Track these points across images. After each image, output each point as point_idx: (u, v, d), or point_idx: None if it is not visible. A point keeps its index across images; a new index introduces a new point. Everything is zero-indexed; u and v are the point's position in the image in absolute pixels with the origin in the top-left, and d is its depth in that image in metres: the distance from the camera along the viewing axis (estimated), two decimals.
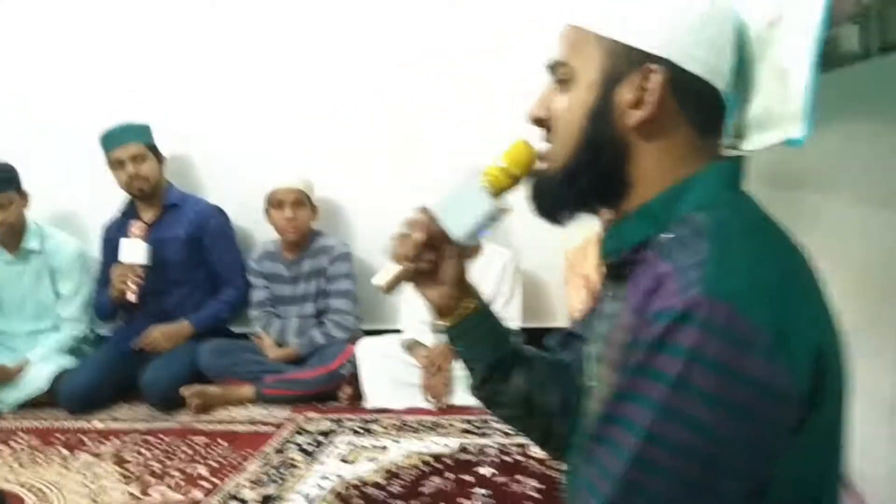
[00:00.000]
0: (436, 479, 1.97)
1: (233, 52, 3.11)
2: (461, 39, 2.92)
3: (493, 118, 2.89)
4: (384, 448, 2.20)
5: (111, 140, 2.84)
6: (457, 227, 0.91)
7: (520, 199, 2.78)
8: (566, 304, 2.83)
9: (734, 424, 0.61)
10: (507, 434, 2.22)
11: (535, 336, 2.70)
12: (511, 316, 2.72)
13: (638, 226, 0.76)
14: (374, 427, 2.37)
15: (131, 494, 2.03)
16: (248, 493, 1.96)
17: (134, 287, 2.68)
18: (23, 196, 2.92)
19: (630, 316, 0.68)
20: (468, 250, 1.00)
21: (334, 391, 2.66)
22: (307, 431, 2.38)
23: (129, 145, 2.83)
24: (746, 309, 0.61)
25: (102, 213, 3.11)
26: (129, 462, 2.24)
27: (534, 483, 1.91)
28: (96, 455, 2.32)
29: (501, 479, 1.94)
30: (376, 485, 1.96)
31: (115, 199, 3.06)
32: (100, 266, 3.02)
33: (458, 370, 2.55)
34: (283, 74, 3.09)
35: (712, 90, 0.74)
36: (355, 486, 1.96)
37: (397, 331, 2.85)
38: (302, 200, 2.85)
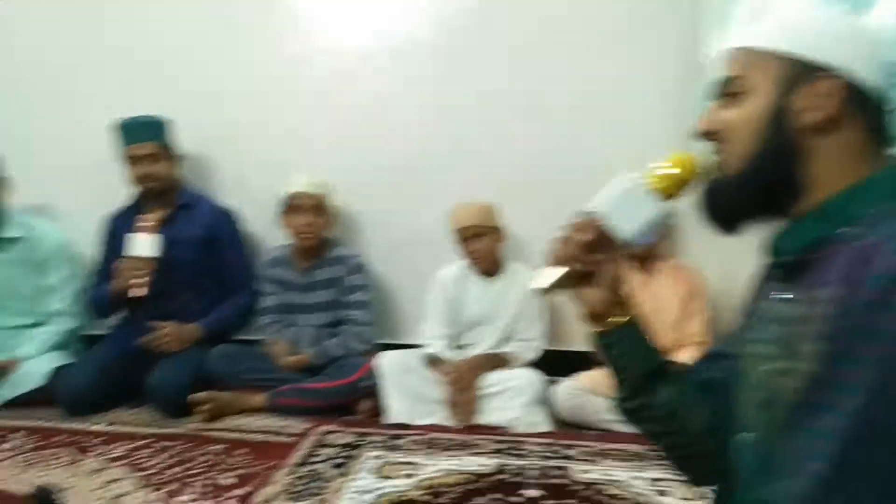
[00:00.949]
0: (480, 500, 1.90)
1: (257, 55, 3.05)
2: (477, 52, 2.93)
3: (503, 134, 2.91)
4: (416, 464, 2.13)
5: (128, 134, 2.73)
6: (625, 228, 0.92)
7: (528, 223, 2.78)
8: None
9: None
10: (545, 457, 2.18)
11: (554, 358, 2.71)
12: (536, 336, 2.69)
13: (817, 224, 0.78)
14: (399, 443, 2.29)
15: (154, 501, 1.90)
16: None
17: (142, 281, 2.54)
18: (4, 183, 2.76)
19: (830, 291, 0.69)
20: (626, 254, 1.03)
21: (351, 404, 2.57)
22: (331, 445, 2.28)
23: (145, 144, 2.72)
24: None
25: (87, 207, 3.01)
26: (144, 468, 2.10)
27: None
28: (107, 459, 2.17)
29: (551, 502, 1.89)
30: (420, 502, 1.88)
31: (104, 193, 2.95)
32: (101, 259, 2.87)
33: (485, 389, 2.50)
34: (304, 83, 3.04)
35: (883, 98, 0.78)
36: (400, 503, 1.87)
37: (411, 345, 2.79)
38: (320, 206, 2.77)
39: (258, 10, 3.03)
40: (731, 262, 2.57)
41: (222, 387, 2.59)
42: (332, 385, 2.55)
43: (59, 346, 2.77)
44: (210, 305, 2.82)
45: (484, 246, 2.66)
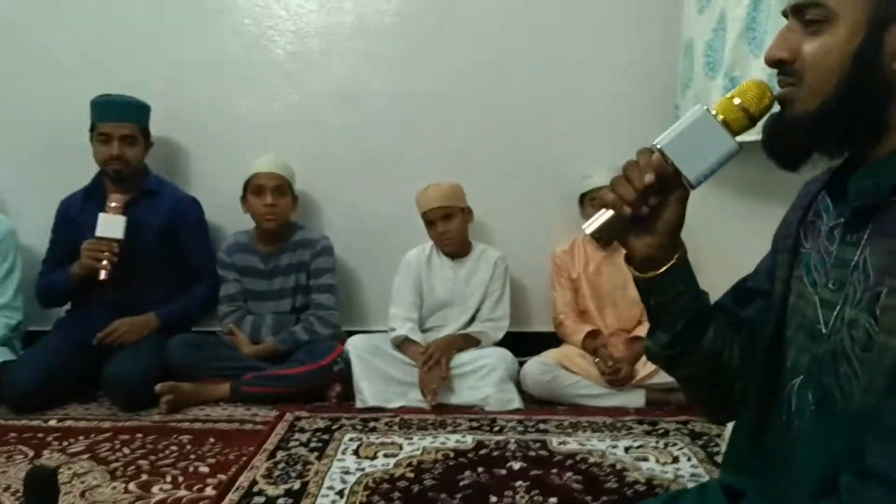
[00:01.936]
0: (468, 474, 1.90)
1: (218, 37, 2.96)
2: (442, 32, 2.93)
3: (469, 115, 2.92)
4: (395, 444, 2.11)
5: (108, 111, 2.61)
6: (692, 167, 0.84)
7: (503, 202, 2.78)
8: (550, 307, 2.85)
9: None
10: (522, 431, 2.19)
11: (518, 340, 2.73)
12: (503, 315, 2.71)
13: None
14: (374, 426, 2.26)
15: (128, 491, 1.81)
16: (270, 490, 1.81)
17: (107, 263, 2.43)
18: None
19: None
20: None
21: (322, 390, 2.52)
22: (304, 430, 2.23)
23: (124, 124, 2.60)
24: None
25: (29, 196, 2.91)
26: (109, 461, 2.00)
27: (570, 474, 1.88)
28: (67, 454, 2.05)
29: (537, 472, 1.90)
30: (407, 479, 1.86)
31: (48, 181, 2.82)
32: (51, 245, 2.72)
33: (456, 369, 2.50)
34: (265, 65, 2.97)
35: None
36: (386, 481, 1.85)
37: (378, 332, 2.76)
38: (283, 187, 2.71)
39: None
40: (690, 237, 2.65)
41: (183, 377, 2.49)
42: (302, 370, 2.49)
43: (2, 342, 2.60)
44: (170, 295, 2.72)
45: (453, 227, 2.65)
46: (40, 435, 2.20)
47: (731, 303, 1.04)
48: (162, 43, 2.93)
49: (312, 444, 2.11)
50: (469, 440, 2.13)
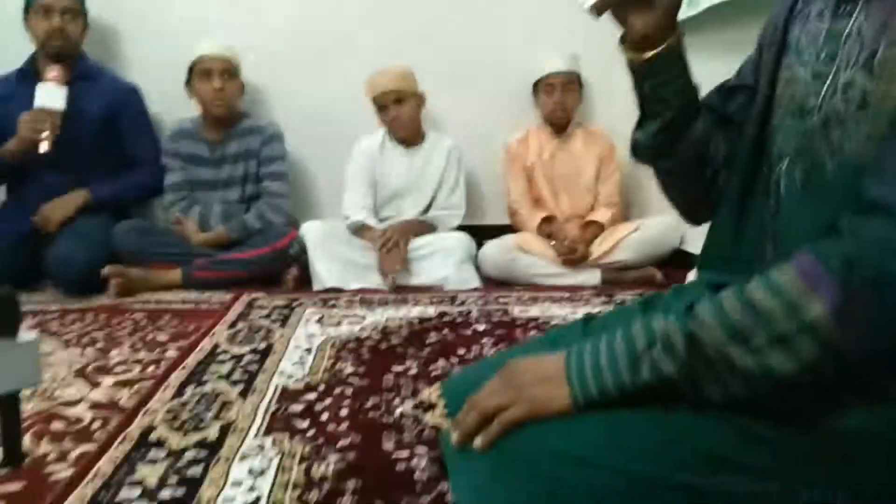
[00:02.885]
0: (433, 335, 1.91)
1: None
2: None
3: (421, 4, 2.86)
4: (359, 315, 2.10)
5: None
6: None
7: (456, 94, 2.72)
8: (504, 198, 2.85)
9: None
10: (483, 304, 2.21)
11: (472, 233, 2.74)
12: (458, 203, 2.70)
13: None
14: (335, 303, 2.24)
15: (84, 356, 1.74)
16: (234, 349, 1.77)
17: (48, 134, 2.28)
18: None
19: None
20: None
21: (277, 274, 2.48)
22: (263, 307, 2.19)
23: None
24: None
25: None
26: (64, 334, 1.92)
27: (535, 332, 1.92)
28: None
29: (501, 332, 1.93)
30: (374, 339, 1.86)
31: None
32: None
33: (414, 252, 2.49)
34: None
35: None
36: (353, 341, 1.84)
37: None
38: (231, 70, 2.61)
39: None
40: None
41: (131, 263, 2.40)
42: (257, 253, 2.44)
43: None
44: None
45: (405, 111, 2.61)
46: None
47: (716, 100, 1.03)
48: None
49: (274, 317, 2.07)
50: (432, 311, 2.14)
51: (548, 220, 2.67)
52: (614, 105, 2.83)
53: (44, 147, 2.27)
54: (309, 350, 1.77)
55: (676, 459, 0.70)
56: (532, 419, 0.77)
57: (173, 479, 1.13)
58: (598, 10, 0.86)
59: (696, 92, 0.96)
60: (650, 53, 0.89)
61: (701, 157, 0.97)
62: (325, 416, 1.37)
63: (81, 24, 2.55)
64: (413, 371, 1.63)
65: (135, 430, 1.30)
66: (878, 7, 0.72)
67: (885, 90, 0.69)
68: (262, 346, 1.80)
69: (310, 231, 2.48)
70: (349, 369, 1.64)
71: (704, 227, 1.06)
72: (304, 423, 1.33)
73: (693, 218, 1.09)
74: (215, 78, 2.55)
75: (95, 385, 1.55)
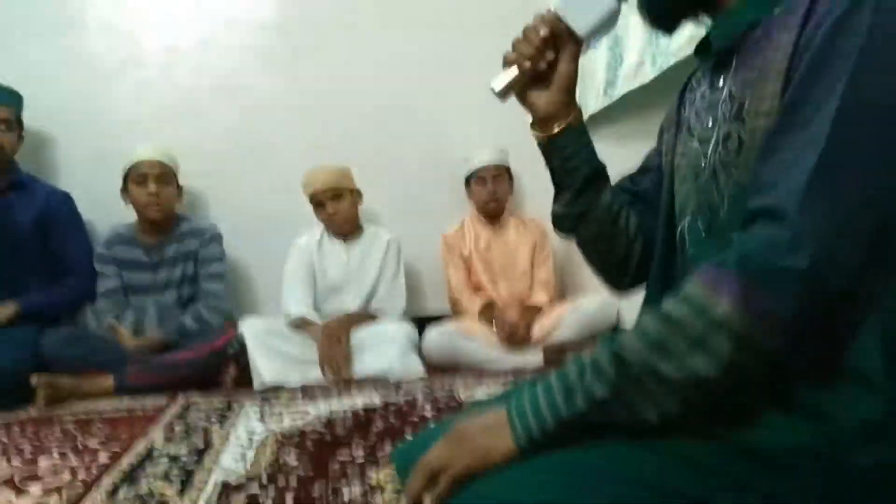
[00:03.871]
0: (380, 423, 1.87)
1: (95, 23, 2.87)
2: (320, 27, 2.98)
3: (351, 104, 2.98)
4: (302, 410, 2.04)
5: None
6: (580, 23, 0.93)
7: (391, 190, 2.81)
8: (444, 288, 2.89)
9: None
10: (428, 391, 2.19)
11: (414, 325, 2.74)
12: (399, 293, 2.72)
13: (750, 9, 0.82)
14: (276, 400, 2.18)
15: (11, 465, 1.64)
16: (171, 449, 1.70)
17: None
18: None
19: (785, 37, 0.73)
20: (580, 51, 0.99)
21: (215, 375, 2.41)
22: (200, 408, 2.11)
23: (1, 108, 2.46)
24: None
25: None
26: None
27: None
28: None
29: (450, 414, 1.90)
30: (318, 432, 1.81)
31: None
32: None
33: (356, 343, 2.47)
34: (145, 55, 2.91)
35: None
36: (296, 435, 1.79)
37: None
38: (167, 175, 2.62)
39: None
40: None
41: (61, 371, 2.30)
42: (192, 354, 2.37)
43: None
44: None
45: (343, 207, 2.66)
46: None
47: (627, 183, 1.11)
48: (20, 39, 2.80)
49: (213, 417, 2.01)
50: (377, 400, 2.10)
51: (488, 305, 2.71)
52: (544, 194, 2.92)
53: None
54: (250, 445, 1.71)
55: (618, 493, 0.71)
56: (479, 471, 0.76)
57: None
58: (503, 94, 0.98)
59: (601, 163, 1.04)
60: (556, 129, 1.00)
61: (614, 225, 1.04)
62: None
63: (16, 136, 2.56)
64: (360, 458, 1.59)
65: None
66: (742, 72, 0.81)
67: (753, 126, 0.76)
68: (201, 444, 1.74)
69: (249, 328, 2.45)
70: (293, 461, 1.59)
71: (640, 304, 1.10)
72: None
73: (616, 285, 1.14)
74: (151, 183, 2.55)
75: (23, 493, 1.46)
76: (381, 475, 1.45)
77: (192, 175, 2.83)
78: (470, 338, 2.54)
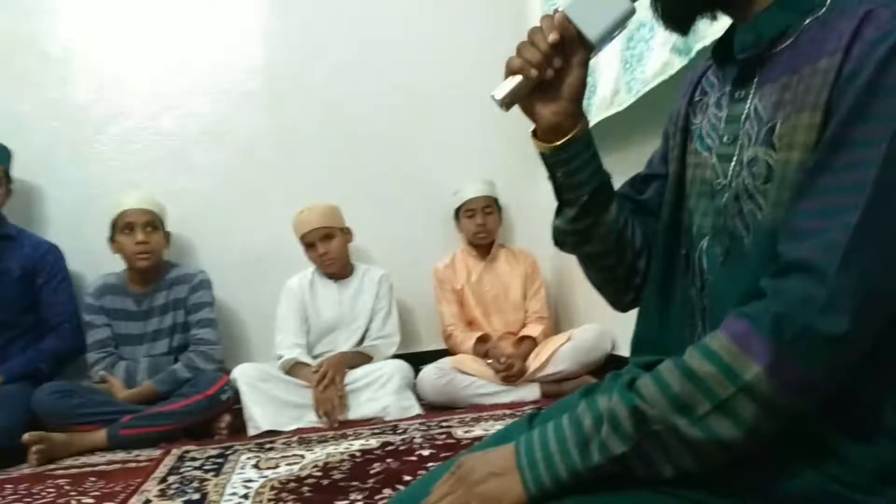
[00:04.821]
0: (377, 465, 1.85)
1: (81, 72, 2.88)
2: (306, 69, 3.01)
3: (339, 145, 2.99)
4: (298, 455, 2.02)
5: None
6: (592, 27, 0.85)
7: (381, 227, 2.80)
8: (438, 323, 2.88)
9: None
10: (426, 430, 2.17)
11: (408, 361, 2.73)
12: (393, 331, 2.71)
13: (780, 15, 0.77)
14: (273, 446, 2.16)
15: None
16: None
17: None
18: None
19: (824, 62, 0.69)
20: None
21: (209, 423, 2.38)
22: (195, 458, 2.09)
23: None
24: None
25: None
26: None
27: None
28: None
29: (447, 454, 1.89)
30: (315, 477, 1.79)
31: None
32: None
33: (351, 384, 2.46)
34: (129, 101, 2.91)
35: None
36: (293, 481, 1.76)
37: None
38: (155, 223, 2.61)
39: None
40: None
41: (54, 428, 2.27)
42: (185, 403, 2.34)
43: None
44: (27, 347, 2.51)
45: (333, 247, 2.65)
46: None
47: (630, 190, 1.07)
48: (4, 91, 2.81)
49: (207, 467, 1.98)
50: (374, 442, 2.08)
51: (482, 339, 2.70)
52: (533, 224, 2.95)
53: None
54: (246, 496, 1.68)
55: None
56: None
57: None
58: (506, 103, 0.89)
59: (608, 176, 0.97)
60: (561, 141, 0.91)
61: (620, 240, 0.98)
62: None
63: (5, 190, 2.56)
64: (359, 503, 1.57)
65: None
66: (770, 88, 0.77)
67: (786, 158, 0.73)
68: (196, 496, 1.71)
69: (242, 374, 2.42)
70: None
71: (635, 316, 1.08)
72: None
73: (619, 304, 1.07)
74: (138, 232, 2.54)
75: None
76: None
77: (181, 220, 2.83)
78: (465, 373, 2.53)
